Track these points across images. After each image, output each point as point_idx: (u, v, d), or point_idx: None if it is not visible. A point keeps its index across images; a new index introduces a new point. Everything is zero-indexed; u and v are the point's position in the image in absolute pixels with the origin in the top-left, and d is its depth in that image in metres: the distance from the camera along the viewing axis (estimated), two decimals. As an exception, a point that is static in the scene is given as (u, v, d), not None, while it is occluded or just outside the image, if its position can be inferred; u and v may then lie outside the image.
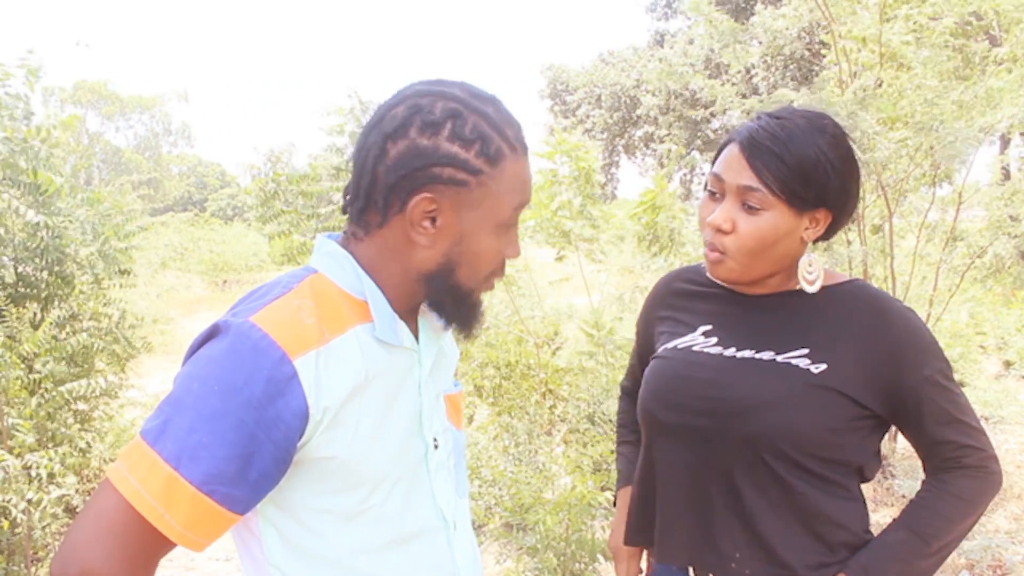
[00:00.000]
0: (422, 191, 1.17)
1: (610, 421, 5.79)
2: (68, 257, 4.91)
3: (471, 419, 6.28)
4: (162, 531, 1.06)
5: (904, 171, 5.37)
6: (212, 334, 1.12)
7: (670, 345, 1.70)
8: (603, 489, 4.50)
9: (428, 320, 1.33)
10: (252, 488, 1.10)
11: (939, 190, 6.07)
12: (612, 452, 5.11)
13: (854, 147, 1.60)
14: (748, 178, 1.51)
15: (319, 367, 1.12)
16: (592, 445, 5.08)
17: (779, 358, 1.56)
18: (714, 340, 1.65)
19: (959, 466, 1.55)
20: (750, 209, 1.52)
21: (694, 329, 1.69)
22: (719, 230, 1.55)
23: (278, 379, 1.08)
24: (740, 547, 1.56)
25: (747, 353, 1.59)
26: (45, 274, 4.94)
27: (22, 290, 4.90)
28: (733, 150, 1.55)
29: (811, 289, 1.59)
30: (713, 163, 1.62)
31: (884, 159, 5.05)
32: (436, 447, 1.30)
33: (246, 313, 1.13)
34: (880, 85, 5.36)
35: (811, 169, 1.49)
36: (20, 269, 4.90)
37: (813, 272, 1.59)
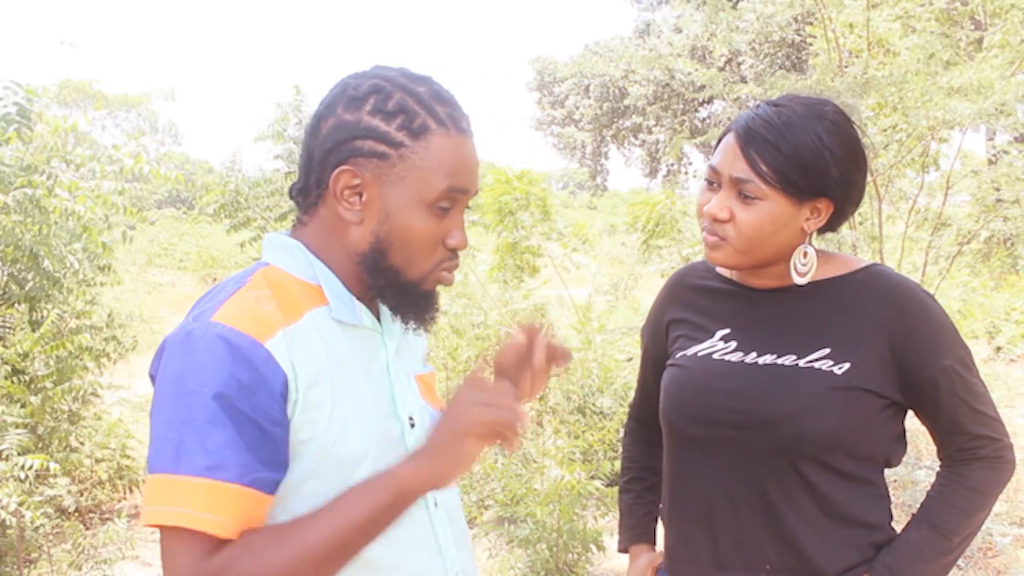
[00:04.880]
0: (344, 164, 1.20)
1: (601, 413, 5.79)
2: (54, 257, 4.89)
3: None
4: (223, 536, 1.08)
5: (894, 156, 5.38)
6: (180, 343, 1.14)
7: (689, 352, 1.65)
8: (593, 478, 4.50)
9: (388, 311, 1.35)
10: (276, 465, 1.13)
11: (927, 176, 6.08)
12: (600, 441, 5.12)
13: (860, 132, 1.55)
14: (741, 169, 1.48)
15: (289, 345, 1.15)
16: (581, 436, 5.08)
17: (802, 362, 1.53)
18: (734, 345, 1.60)
19: (975, 457, 1.53)
20: (746, 199, 1.49)
21: (712, 334, 1.64)
22: (716, 219, 1.52)
23: (257, 364, 1.11)
24: (770, 558, 1.54)
25: (769, 359, 1.56)
26: (31, 274, 4.91)
27: (12, 289, 4.87)
28: (729, 140, 1.52)
29: (800, 281, 1.55)
30: (712, 154, 1.59)
31: (876, 145, 5.05)
32: (413, 426, 1.31)
33: (207, 315, 1.14)
34: (867, 73, 5.37)
35: (808, 158, 1.45)
36: (8, 271, 4.88)
37: (806, 264, 1.56)
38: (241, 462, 1.09)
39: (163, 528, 1.09)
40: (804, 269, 1.56)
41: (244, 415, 1.09)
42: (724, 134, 1.56)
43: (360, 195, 1.22)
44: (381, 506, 1.12)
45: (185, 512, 1.07)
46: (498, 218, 6.24)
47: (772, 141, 1.46)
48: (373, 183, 1.21)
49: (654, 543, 1.85)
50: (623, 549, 1.86)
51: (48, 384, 4.54)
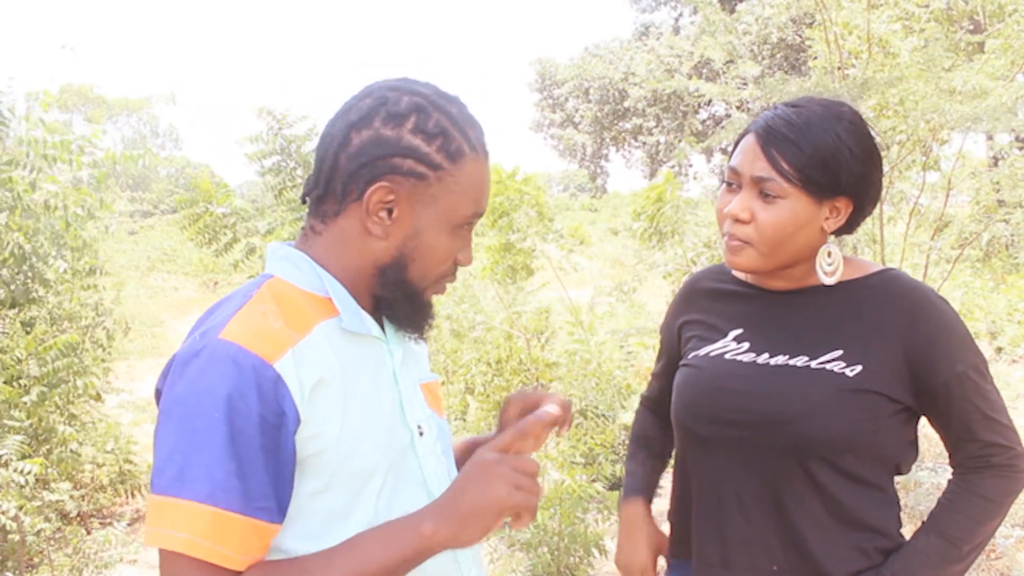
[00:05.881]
0: (381, 180, 1.19)
1: (603, 416, 5.79)
2: (39, 256, 4.88)
3: (464, 413, 6.28)
4: (225, 566, 1.08)
5: (895, 157, 5.37)
6: (188, 362, 1.12)
7: (701, 352, 1.66)
8: (594, 481, 4.49)
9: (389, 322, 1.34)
10: (281, 495, 1.12)
11: (927, 176, 6.07)
12: (602, 445, 5.12)
13: (874, 134, 1.56)
14: (762, 168, 1.48)
15: (298, 365, 1.13)
16: (582, 439, 5.07)
17: (813, 364, 1.52)
18: (746, 346, 1.61)
19: (987, 465, 1.52)
20: (767, 198, 1.49)
21: (725, 334, 1.64)
22: (738, 219, 1.52)
23: (266, 386, 1.09)
24: (778, 559, 1.54)
25: (781, 359, 1.56)
26: (19, 276, 4.90)
27: (12, 297, 4.86)
28: (749, 140, 1.52)
29: (828, 281, 1.56)
30: (730, 156, 1.59)
31: (879, 146, 5.05)
32: (421, 434, 1.31)
33: (214, 332, 1.13)
34: (865, 74, 5.37)
35: (829, 156, 1.46)
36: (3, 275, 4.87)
37: (832, 263, 1.56)
38: (246, 490, 1.07)
39: (164, 551, 1.08)
40: (831, 269, 1.56)
41: (251, 441, 1.08)
42: (742, 136, 1.57)
43: (390, 211, 1.20)
44: (398, 559, 1.12)
45: (187, 538, 1.05)
46: (492, 218, 6.21)
47: (793, 139, 1.47)
48: (406, 201, 1.20)
49: (651, 498, 1.87)
50: (626, 503, 1.86)
51: (43, 388, 4.52)
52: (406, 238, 1.22)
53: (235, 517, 1.07)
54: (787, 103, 1.54)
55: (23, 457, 3.87)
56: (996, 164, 7.24)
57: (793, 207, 1.48)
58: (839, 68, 5.54)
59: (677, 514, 1.75)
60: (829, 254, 1.56)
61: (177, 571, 1.07)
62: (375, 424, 1.22)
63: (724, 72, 6.47)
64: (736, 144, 1.58)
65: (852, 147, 1.48)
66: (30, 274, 4.83)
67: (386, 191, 1.19)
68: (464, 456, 1.60)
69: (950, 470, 1.60)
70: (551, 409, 1.33)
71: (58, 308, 5.15)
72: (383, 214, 1.20)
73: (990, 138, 9.57)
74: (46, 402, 4.45)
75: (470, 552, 1.36)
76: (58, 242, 4.96)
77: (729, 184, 1.56)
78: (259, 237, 4.87)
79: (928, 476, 4.73)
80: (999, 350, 9.24)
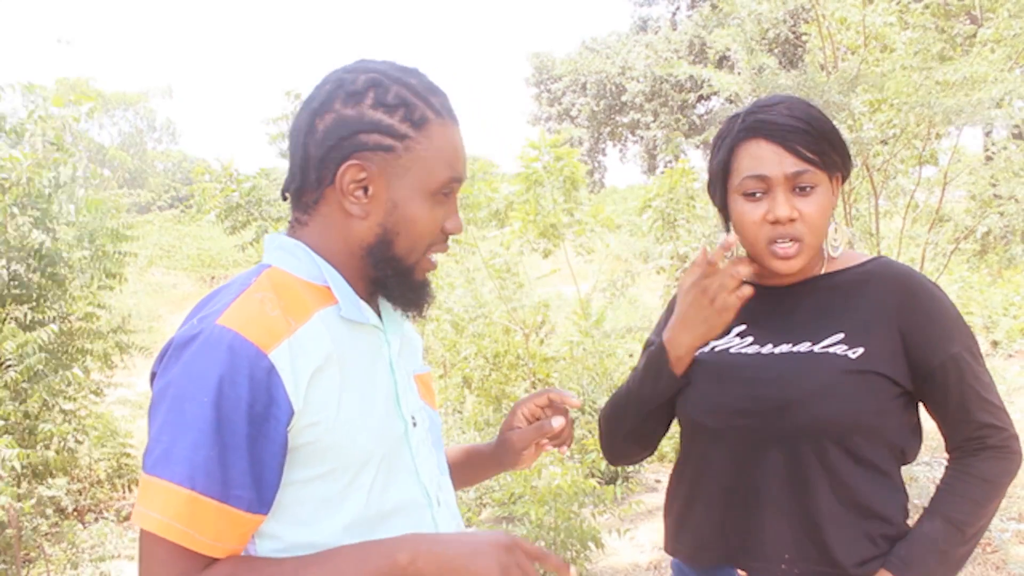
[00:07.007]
0: (349, 159, 1.20)
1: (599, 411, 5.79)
2: (61, 260, 4.85)
3: (462, 406, 6.28)
4: (196, 550, 1.08)
5: (890, 152, 5.38)
6: (184, 345, 1.12)
7: (706, 349, 1.67)
8: (589, 476, 4.50)
9: (388, 303, 1.35)
10: (262, 485, 1.12)
11: (923, 171, 6.08)
12: (597, 440, 5.12)
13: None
14: (792, 164, 1.51)
15: (293, 356, 1.13)
16: (581, 432, 5.08)
17: (816, 348, 1.55)
18: (750, 339, 1.63)
19: (982, 447, 1.54)
20: (804, 191, 1.52)
21: (728, 331, 1.66)
22: (789, 220, 1.52)
23: (259, 376, 1.10)
24: (790, 547, 1.54)
25: (784, 348, 1.58)
26: (37, 275, 4.87)
27: (15, 291, 4.84)
28: (761, 146, 1.53)
29: (835, 254, 1.61)
30: (719, 165, 1.60)
31: (870, 140, 5.06)
32: (414, 425, 1.32)
33: (212, 318, 1.13)
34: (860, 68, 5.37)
35: (830, 133, 1.54)
36: (12, 268, 4.84)
37: (838, 237, 1.61)
38: (225, 477, 1.08)
39: (142, 530, 1.09)
40: (837, 242, 1.61)
41: (237, 429, 1.08)
42: (734, 144, 1.57)
43: (366, 189, 1.21)
44: None
45: (160, 519, 1.06)
46: (525, 186, 6.16)
47: (803, 129, 1.51)
48: (379, 176, 1.21)
49: None
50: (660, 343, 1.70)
51: (27, 381, 4.48)
52: (386, 213, 1.23)
53: (210, 502, 1.07)
54: (761, 107, 1.56)
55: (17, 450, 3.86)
56: (992, 158, 7.23)
57: (825, 191, 1.54)
58: (835, 63, 5.54)
59: (677, 512, 1.74)
60: (835, 230, 1.61)
61: (150, 551, 1.09)
62: (371, 413, 1.23)
63: (728, 63, 6.47)
64: (726, 155, 1.58)
65: (831, 125, 1.57)
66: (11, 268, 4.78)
67: (357, 169, 1.20)
68: (463, 462, 1.61)
69: (945, 463, 1.61)
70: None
71: (69, 309, 5.11)
72: (359, 193, 1.22)
73: (987, 133, 9.58)
74: (31, 398, 4.41)
75: (453, 521, 1.37)
76: (40, 218, 4.87)
77: (752, 194, 1.55)
78: (271, 222, 4.88)
79: (924, 471, 4.74)
80: (995, 344, 9.26)
